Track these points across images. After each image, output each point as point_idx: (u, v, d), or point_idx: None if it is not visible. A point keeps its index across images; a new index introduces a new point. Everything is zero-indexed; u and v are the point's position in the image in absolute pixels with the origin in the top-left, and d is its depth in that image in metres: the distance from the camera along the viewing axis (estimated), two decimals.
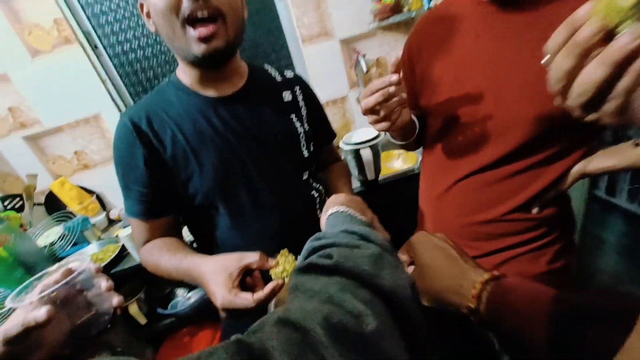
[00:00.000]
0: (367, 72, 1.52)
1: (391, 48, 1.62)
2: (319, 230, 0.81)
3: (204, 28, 0.57)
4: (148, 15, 0.62)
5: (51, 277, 0.44)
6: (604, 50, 0.22)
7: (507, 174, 0.61)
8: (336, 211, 0.49)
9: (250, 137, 0.69)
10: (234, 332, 0.25)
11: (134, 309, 1.40)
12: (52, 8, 1.33)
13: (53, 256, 1.35)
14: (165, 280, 1.46)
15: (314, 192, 0.79)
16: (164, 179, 0.66)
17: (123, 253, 1.29)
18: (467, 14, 0.61)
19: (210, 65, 0.63)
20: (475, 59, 0.59)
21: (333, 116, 1.69)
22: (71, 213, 1.51)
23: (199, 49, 0.58)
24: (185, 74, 0.68)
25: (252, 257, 0.55)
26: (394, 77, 0.52)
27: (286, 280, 0.54)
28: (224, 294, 0.52)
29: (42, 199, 1.57)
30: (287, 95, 0.77)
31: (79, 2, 1.39)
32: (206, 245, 0.75)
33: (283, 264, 0.55)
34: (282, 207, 0.72)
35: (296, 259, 0.56)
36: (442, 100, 0.65)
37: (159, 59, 1.54)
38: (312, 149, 0.79)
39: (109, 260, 1.24)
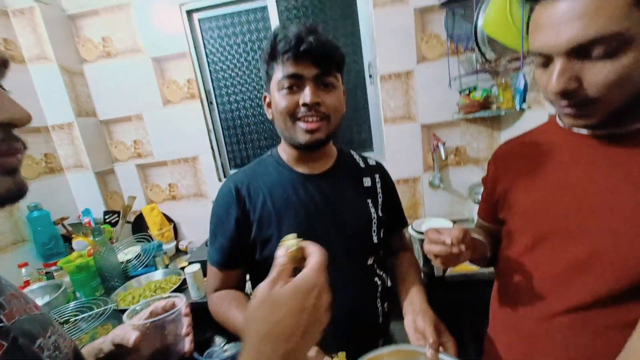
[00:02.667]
0: (445, 159, 1.52)
1: (473, 139, 1.61)
2: (376, 321, 0.79)
3: (311, 123, 0.68)
4: (269, 105, 0.74)
5: (162, 302, 0.57)
6: None
7: (620, 322, 0.51)
8: None
9: (328, 212, 0.74)
10: None
11: None
12: (189, 71, 1.67)
13: (125, 273, 1.49)
14: (207, 326, 1.49)
15: (376, 279, 0.78)
16: (246, 237, 0.74)
17: (183, 287, 1.37)
18: (560, 142, 0.59)
19: (309, 149, 0.73)
20: (571, 189, 0.56)
21: (403, 194, 1.68)
22: (150, 236, 1.69)
23: (304, 138, 0.69)
24: (284, 152, 0.79)
25: (311, 351, 0.59)
26: (448, 240, 0.56)
27: None
28: None
29: (132, 218, 1.80)
30: (367, 181, 0.82)
31: (208, 67, 1.73)
32: None
33: None
34: (343, 287, 0.72)
35: None
36: (529, 222, 0.61)
37: (256, 118, 1.77)
38: (381, 235, 0.80)
39: (170, 291, 1.32)
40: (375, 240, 0.78)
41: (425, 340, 0.60)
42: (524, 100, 1.33)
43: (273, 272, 0.38)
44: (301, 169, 0.77)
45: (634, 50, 0.42)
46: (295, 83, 0.67)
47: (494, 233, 0.76)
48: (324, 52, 0.66)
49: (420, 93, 1.59)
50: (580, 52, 0.44)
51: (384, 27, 1.53)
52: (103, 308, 1.19)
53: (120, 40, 1.65)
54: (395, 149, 1.66)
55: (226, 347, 1.42)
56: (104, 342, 0.55)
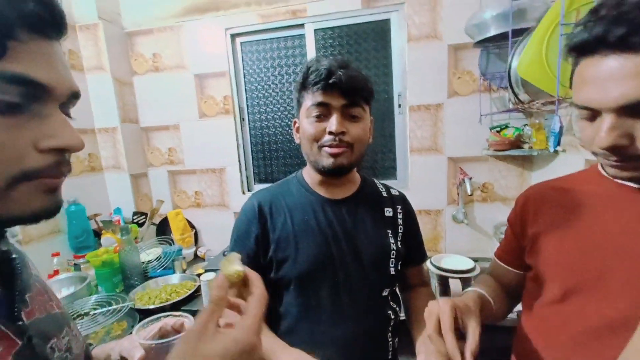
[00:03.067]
0: (471, 194, 1.49)
1: (502, 177, 1.57)
2: (386, 356, 0.77)
3: (335, 148, 0.71)
4: (297, 130, 0.78)
5: (172, 320, 0.57)
6: None
7: None
8: None
9: (346, 239, 0.75)
10: None
11: None
12: (226, 88, 1.78)
13: (145, 273, 1.55)
14: None
15: (390, 312, 0.77)
16: (264, 256, 0.76)
17: (196, 293, 1.40)
18: (602, 193, 0.57)
19: (332, 175, 0.75)
20: (611, 243, 0.53)
21: (424, 225, 1.65)
22: (171, 239, 1.76)
23: (328, 162, 0.72)
24: (309, 175, 0.81)
25: None
26: None
27: None
28: None
29: (157, 221, 1.88)
30: (388, 211, 0.82)
31: (244, 86, 1.83)
32: (273, 325, 0.77)
33: None
34: (355, 317, 0.72)
35: None
36: (561, 272, 0.58)
37: (284, 137, 1.84)
38: (399, 268, 0.79)
39: (184, 296, 1.36)
40: (392, 271, 0.77)
41: None
42: (558, 143, 1.29)
43: (206, 310, 0.37)
44: (323, 193, 0.79)
45: None
46: (323, 112, 0.70)
47: (508, 280, 0.73)
48: (352, 85, 0.69)
49: (449, 126, 1.58)
50: (632, 110, 0.44)
51: (416, 60, 1.57)
52: (121, 305, 1.24)
53: (169, 57, 1.79)
54: (419, 179, 1.64)
55: None
56: (113, 350, 0.56)
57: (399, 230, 0.81)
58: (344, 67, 0.69)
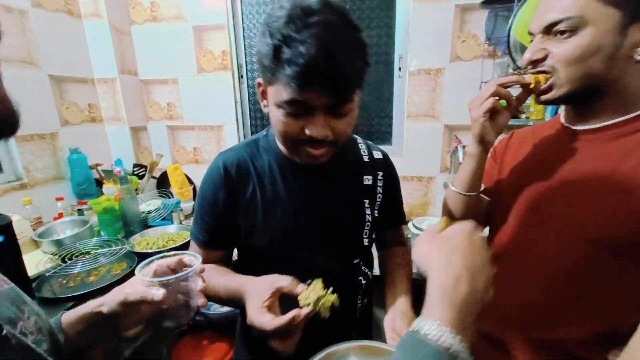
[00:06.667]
0: (462, 162, 1.50)
1: None
2: (354, 316, 0.76)
3: (317, 150, 0.59)
4: (263, 95, 0.61)
5: (167, 260, 0.52)
6: None
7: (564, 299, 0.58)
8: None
9: (319, 210, 0.69)
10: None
11: None
12: (225, 43, 1.74)
13: (145, 222, 1.63)
14: None
15: (361, 277, 0.75)
16: (232, 220, 0.69)
17: None
18: (553, 137, 0.67)
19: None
20: (546, 178, 0.63)
21: (414, 192, 1.68)
22: (170, 192, 1.82)
23: (306, 159, 0.62)
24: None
25: (284, 281, 0.56)
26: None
27: (310, 307, 0.53)
28: (251, 312, 0.54)
29: (157, 174, 1.94)
30: (367, 179, 0.74)
31: (243, 41, 1.79)
32: None
33: (311, 291, 0.55)
34: (325, 283, 0.63)
35: (331, 292, 0.56)
36: (513, 199, 0.67)
37: None
38: (373, 237, 0.77)
39: (180, 243, 1.44)
40: (365, 242, 0.74)
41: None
42: (556, 112, 1.28)
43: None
44: (296, 158, 0.66)
45: (588, 34, 0.52)
46: (300, 110, 0.54)
47: (471, 207, 0.76)
48: (342, 79, 0.50)
49: (448, 92, 1.56)
50: (548, 30, 0.55)
51: (420, 21, 1.51)
52: (120, 247, 1.32)
53: (167, 6, 1.74)
54: (414, 146, 1.65)
55: None
56: (102, 305, 0.47)
57: (377, 199, 0.75)
58: (331, 52, 0.48)
